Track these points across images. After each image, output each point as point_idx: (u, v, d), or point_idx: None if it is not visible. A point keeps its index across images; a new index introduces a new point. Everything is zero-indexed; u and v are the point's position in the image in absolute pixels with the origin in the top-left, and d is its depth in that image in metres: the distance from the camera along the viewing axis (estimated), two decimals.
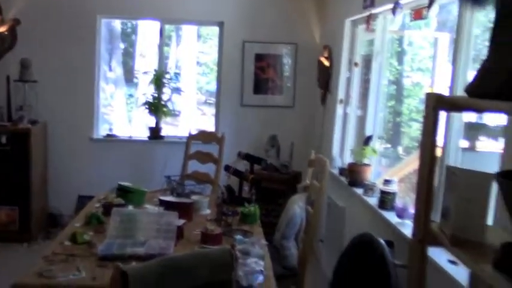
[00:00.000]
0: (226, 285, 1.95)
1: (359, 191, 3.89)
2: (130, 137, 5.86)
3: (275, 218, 4.24)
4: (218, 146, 4.65)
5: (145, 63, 7.76)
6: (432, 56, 3.81)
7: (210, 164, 4.64)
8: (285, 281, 3.53)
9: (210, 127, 5.85)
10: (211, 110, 6.51)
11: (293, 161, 5.48)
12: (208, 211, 3.60)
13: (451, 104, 1.42)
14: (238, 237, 3.01)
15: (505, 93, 1.23)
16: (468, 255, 1.34)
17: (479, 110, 1.29)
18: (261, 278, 2.57)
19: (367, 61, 4.46)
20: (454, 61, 2.76)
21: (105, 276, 2.30)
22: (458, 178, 1.42)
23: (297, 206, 3.56)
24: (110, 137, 5.75)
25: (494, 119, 3.24)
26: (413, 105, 4.55)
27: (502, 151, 2.07)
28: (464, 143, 3.11)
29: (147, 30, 8.03)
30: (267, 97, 5.75)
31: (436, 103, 1.43)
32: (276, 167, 5.40)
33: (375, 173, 4.13)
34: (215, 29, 5.95)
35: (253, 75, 5.69)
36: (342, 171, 4.47)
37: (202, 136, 4.92)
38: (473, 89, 1.38)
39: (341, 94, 4.86)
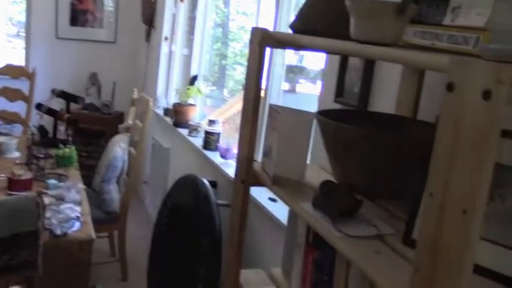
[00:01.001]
0: (32, 237, 1.74)
1: (184, 131, 3.83)
2: None
3: (97, 160, 4.01)
4: (29, 82, 4.18)
5: None
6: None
7: (20, 102, 4.17)
8: (106, 225, 3.38)
9: (22, 62, 5.23)
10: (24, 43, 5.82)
11: (115, 100, 5.19)
12: (17, 154, 3.24)
13: (276, 40, 1.38)
14: (52, 181, 2.75)
15: (327, 30, 1.22)
16: (288, 194, 1.35)
17: (302, 47, 1.27)
18: (77, 224, 2.38)
19: None
20: (278, 5, 2.77)
21: None
22: (280, 117, 1.40)
23: (118, 148, 3.37)
24: None
25: (314, 62, 3.38)
26: (238, 48, 4.56)
27: (320, 93, 2.14)
28: (286, 85, 3.20)
29: None
30: (86, 30, 5.29)
31: (261, 38, 1.38)
32: (97, 106, 5.08)
33: (200, 113, 4.09)
34: None
35: (69, 5, 5.18)
36: (166, 111, 4.35)
37: (9, 70, 4.38)
38: (297, 26, 1.35)
39: (166, 31, 4.66)
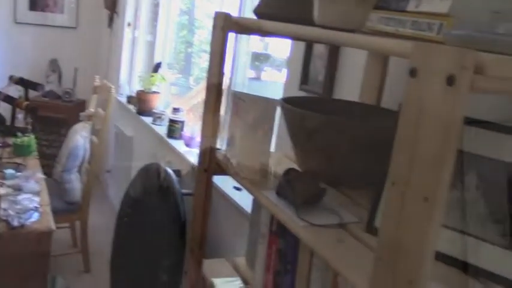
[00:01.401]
0: None
1: (147, 119, 3.76)
2: None
3: (57, 149, 3.91)
4: None
5: None
6: None
7: None
8: (67, 216, 3.31)
9: None
10: None
11: (77, 87, 5.05)
12: None
13: (239, 25, 1.35)
14: (9, 171, 2.66)
15: (291, 16, 1.20)
16: (251, 183, 1.33)
17: (265, 32, 1.24)
18: (35, 215, 2.31)
19: None
20: None
21: None
22: (244, 104, 1.37)
23: (79, 136, 3.29)
24: None
25: (280, 50, 3.36)
26: (204, 36, 4.50)
27: (285, 81, 2.13)
28: (251, 73, 3.17)
29: None
30: (46, 15, 5.12)
31: (224, 23, 1.34)
32: (58, 94, 4.94)
33: (164, 101, 4.02)
34: None
35: None
36: (129, 99, 4.27)
37: None
38: (260, 11, 1.32)
39: (129, 17, 4.56)
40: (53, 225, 2.30)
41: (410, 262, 0.72)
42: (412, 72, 0.69)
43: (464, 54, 0.64)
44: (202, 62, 4.35)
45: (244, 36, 2.86)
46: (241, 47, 2.84)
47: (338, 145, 1.18)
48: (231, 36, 1.43)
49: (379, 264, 0.77)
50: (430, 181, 0.68)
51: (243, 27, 1.36)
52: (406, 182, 0.71)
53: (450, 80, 0.64)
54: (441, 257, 0.91)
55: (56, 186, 3.22)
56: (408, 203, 0.71)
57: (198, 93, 4.11)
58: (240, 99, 1.40)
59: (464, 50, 0.65)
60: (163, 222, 2.60)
